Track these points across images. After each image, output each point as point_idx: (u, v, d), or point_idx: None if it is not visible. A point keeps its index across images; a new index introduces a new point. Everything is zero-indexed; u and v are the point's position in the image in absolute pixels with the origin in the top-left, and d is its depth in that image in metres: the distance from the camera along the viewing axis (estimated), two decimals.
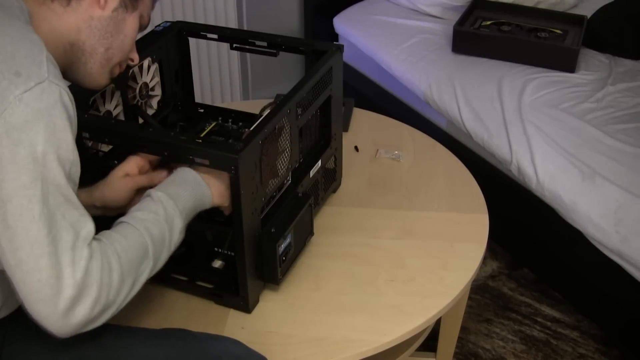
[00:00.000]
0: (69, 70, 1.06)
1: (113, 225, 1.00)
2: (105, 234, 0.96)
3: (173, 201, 1.04)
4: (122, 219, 1.00)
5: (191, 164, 1.10)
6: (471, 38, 2.27)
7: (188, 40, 1.48)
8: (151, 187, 1.08)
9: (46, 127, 0.85)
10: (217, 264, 1.27)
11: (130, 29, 1.09)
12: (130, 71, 1.32)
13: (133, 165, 1.13)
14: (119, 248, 0.94)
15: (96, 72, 1.08)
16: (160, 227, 1.01)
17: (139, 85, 1.35)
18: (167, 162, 1.17)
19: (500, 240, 2.17)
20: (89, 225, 0.91)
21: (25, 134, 0.84)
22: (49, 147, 0.86)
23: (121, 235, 0.96)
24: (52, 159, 0.86)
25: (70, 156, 0.89)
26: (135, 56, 1.16)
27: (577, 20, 2.33)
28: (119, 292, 0.93)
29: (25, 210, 0.84)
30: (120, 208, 1.13)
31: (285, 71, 2.92)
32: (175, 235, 1.03)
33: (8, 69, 0.84)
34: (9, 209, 0.84)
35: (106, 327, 1.00)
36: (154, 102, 1.41)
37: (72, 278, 0.87)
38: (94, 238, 0.91)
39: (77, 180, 0.92)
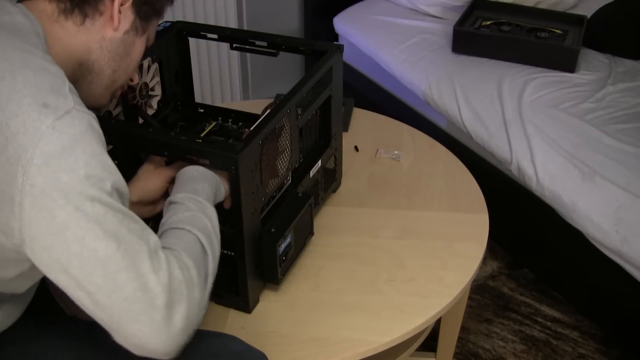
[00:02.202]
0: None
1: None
2: (162, 241, 0.95)
3: (195, 195, 1.04)
4: (160, 230, 1.00)
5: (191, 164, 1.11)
6: (471, 38, 2.27)
7: (188, 40, 1.49)
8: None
9: (84, 152, 0.83)
10: None
11: (137, 52, 1.09)
12: None
13: (159, 158, 1.16)
14: (182, 248, 0.93)
15: (99, 93, 1.08)
16: (200, 220, 1.00)
17: (139, 85, 1.35)
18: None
19: (500, 240, 2.18)
20: (154, 235, 0.89)
21: (65, 160, 0.82)
22: (91, 169, 0.83)
23: (175, 239, 0.96)
24: (96, 181, 0.84)
25: (114, 176, 0.87)
26: (135, 77, 1.18)
27: (577, 20, 2.33)
28: (203, 289, 0.93)
29: (86, 232, 0.82)
30: (154, 202, 1.16)
31: (285, 71, 2.92)
32: (214, 221, 1.03)
33: (35, 102, 0.83)
34: (68, 237, 0.81)
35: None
36: (154, 102, 1.41)
37: (159, 285, 0.85)
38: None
39: (127, 196, 0.90)
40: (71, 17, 0.99)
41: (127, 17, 1.04)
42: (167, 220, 1.01)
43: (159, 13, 1.12)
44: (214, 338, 1.10)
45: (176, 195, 1.04)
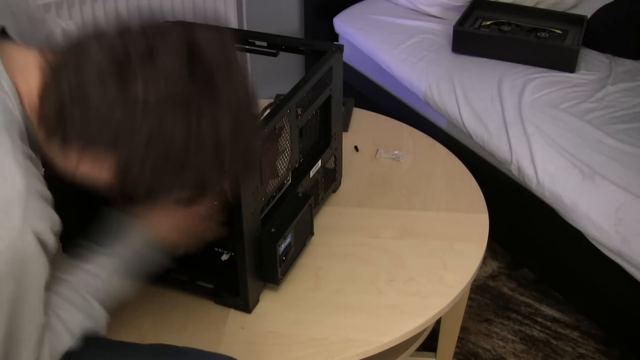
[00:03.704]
0: None
1: (60, 280, 0.99)
2: (58, 307, 0.96)
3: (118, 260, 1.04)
4: (66, 277, 1.00)
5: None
6: (471, 38, 2.27)
7: None
8: None
9: (14, 281, 0.82)
10: (225, 257, 1.25)
11: None
12: None
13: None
14: (70, 324, 0.96)
15: None
16: (104, 292, 1.02)
17: None
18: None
19: (500, 240, 2.17)
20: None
21: None
22: (17, 294, 0.83)
23: (71, 305, 0.97)
24: (19, 304, 0.84)
25: (38, 290, 0.87)
26: None
27: (577, 20, 2.33)
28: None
29: None
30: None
31: (285, 71, 2.92)
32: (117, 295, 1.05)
33: None
34: None
35: (96, 345, 1.00)
36: None
37: None
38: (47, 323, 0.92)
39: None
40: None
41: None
42: (79, 269, 1.01)
43: None
44: (205, 358, 1.08)
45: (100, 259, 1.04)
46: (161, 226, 1.09)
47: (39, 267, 0.85)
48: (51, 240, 0.86)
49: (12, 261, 0.81)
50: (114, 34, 0.84)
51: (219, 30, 0.91)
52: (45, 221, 0.84)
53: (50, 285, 0.93)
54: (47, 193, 0.87)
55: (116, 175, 0.86)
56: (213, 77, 0.84)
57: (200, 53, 0.84)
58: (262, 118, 1.15)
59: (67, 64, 0.83)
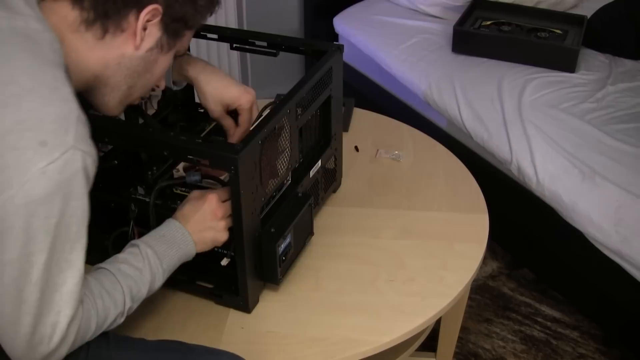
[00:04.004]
0: (86, 94, 1.04)
1: (99, 268, 1.02)
2: (92, 286, 0.97)
3: (159, 260, 1.06)
4: (107, 266, 1.01)
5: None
6: (471, 38, 2.27)
7: None
8: None
9: (63, 198, 0.85)
10: (225, 262, 1.26)
11: (160, 68, 1.06)
12: None
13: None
14: (100, 307, 0.97)
15: (113, 105, 1.07)
16: (141, 287, 1.03)
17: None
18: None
19: (500, 240, 2.17)
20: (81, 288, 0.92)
21: (42, 207, 0.83)
22: (63, 217, 0.85)
23: (106, 292, 0.98)
24: (63, 227, 0.86)
25: (81, 221, 0.89)
26: (162, 83, 1.14)
27: (577, 20, 2.33)
28: (85, 339, 0.97)
29: (24, 275, 0.85)
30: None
31: (285, 71, 2.92)
32: (152, 292, 1.06)
33: (35, 137, 0.83)
34: (7, 271, 0.85)
35: (101, 340, 1.00)
36: (154, 102, 1.41)
37: (47, 347, 0.90)
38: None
39: (84, 239, 0.92)
40: (92, 29, 0.96)
41: (152, 35, 1.01)
42: (119, 259, 1.03)
43: (192, 27, 1.07)
44: (212, 355, 1.09)
45: (146, 249, 1.05)
46: (189, 219, 1.12)
47: (82, 195, 0.87)
48: (91, 172, 0.88)
49: (63, 175, 0.83)
50: None
51: None
52: (90, 148, 0.88)
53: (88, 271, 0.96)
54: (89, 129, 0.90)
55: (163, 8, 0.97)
56: None
57: None
58: (262, 118, 1.16)
59: None
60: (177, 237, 1.10)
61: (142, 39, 0.99)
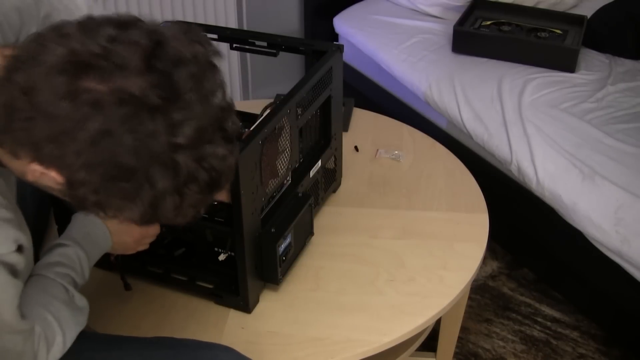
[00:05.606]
0: None
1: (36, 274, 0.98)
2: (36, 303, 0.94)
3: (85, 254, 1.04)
4: (43, 272, 0.98)
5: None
6: (471, 38, 2.27)
7: None
8: None
9: None
10: (222, 257, 1.25)
11: None
12: None
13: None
14: (54, 313, 0.94)
15: None
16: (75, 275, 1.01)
17: None
18: None
19: (500, 240, 2.17)
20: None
21: None
22: None
23: (52, 297, 0.95)
24: None
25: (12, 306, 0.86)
26: None
27: (577, 20, 2.33)
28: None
29: None
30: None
31: (285, 71, 2.92)
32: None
33: None
34: None
35: (95, 338, 1.00)
36: None
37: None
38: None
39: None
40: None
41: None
42: (52, 263, 1.00)
43: None
44: (206, 349, 1.08)
45: (76, 250, 1.03)
46: (114, 232, 1.09)
47: (4, 283, 0.84)
48: (14, 259, 0.84)
49: None
50: (76, 27, 0.77)
51: (191, 30, 0.83)
52: (8, 246, 0.83)
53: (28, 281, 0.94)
54: (3, 212, 0.84)
55: (64, 180, 0.78)
56: (173, 74, 0.76)
57: (164, 47, 0.77)
58: (262, 118, 1.16)
59: (23, 60, 0.77)
60: (99, 237, 1.08)
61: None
